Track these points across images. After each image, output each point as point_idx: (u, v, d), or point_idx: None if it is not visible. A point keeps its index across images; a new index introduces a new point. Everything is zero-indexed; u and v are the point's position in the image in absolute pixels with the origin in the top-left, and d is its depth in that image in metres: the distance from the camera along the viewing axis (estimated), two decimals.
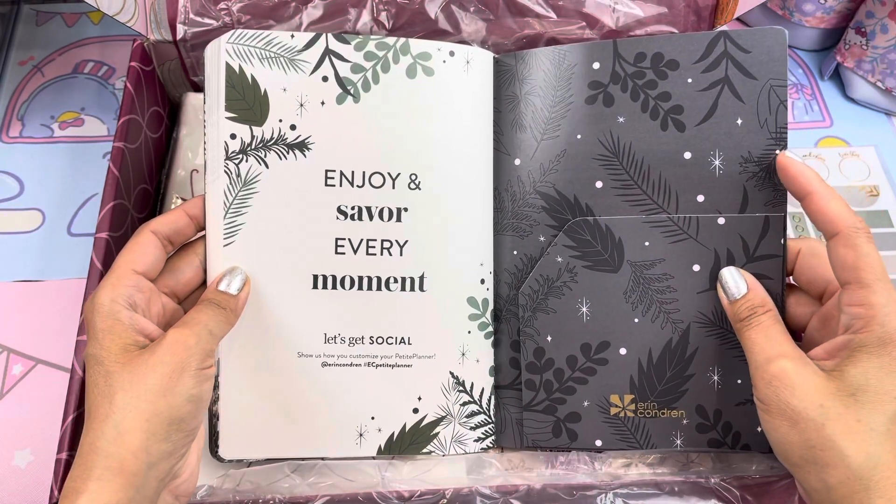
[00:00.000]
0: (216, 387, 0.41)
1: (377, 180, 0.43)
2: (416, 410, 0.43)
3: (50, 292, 0.55)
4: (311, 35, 0.43)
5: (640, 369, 0.43)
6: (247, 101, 0.42)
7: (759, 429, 0.42)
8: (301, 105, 0.42)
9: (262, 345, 0.42)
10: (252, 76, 0.42)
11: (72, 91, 0.64)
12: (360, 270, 0.43)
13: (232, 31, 0.42)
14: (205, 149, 0.42)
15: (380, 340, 0.43)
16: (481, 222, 0.45)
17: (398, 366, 0.43)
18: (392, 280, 0.43)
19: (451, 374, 0.44)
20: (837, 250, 0.36)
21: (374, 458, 0.44)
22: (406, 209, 0.43)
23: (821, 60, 0.70)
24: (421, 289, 0.43)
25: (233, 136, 0.42)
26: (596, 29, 0.52)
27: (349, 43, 0.43)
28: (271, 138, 0.42)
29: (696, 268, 0.42)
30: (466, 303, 0.44)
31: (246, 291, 0.40)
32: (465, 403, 0.44)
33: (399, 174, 0.43)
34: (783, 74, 0.42)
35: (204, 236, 0.42)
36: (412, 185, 0.43)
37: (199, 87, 0.56)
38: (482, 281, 0.45)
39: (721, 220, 0.42)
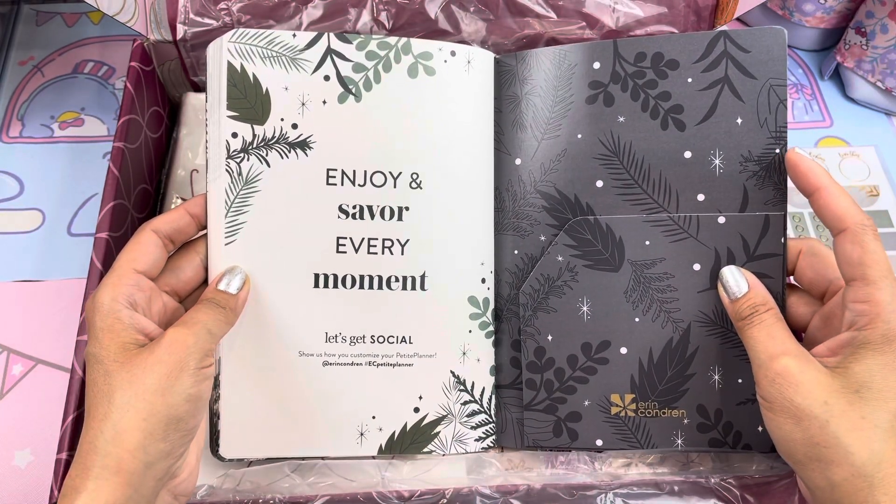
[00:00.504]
0: (217, 385, 0.42)
1: (378, 179, 0.43)
2: (416, 410, 0.43)
3: (50, 292, 0.55)
4: (312, 34, 0.43)
5: (641, 369, 0.43)
6: (248, 100, 0.42)
7: (760, 428, 0.43)
8: (303, 104, 0.42)
9: (264, 344, 0.42)
10: (254, 75, 0.42)
11: (72, 91, 0.64)
12: (361, 269, 0.43)
13: (234, 31, 0.42)
14: (206, 147, 0.42)
15: (381, 339, 0.43)
16: (482, 222, 0.45)
17: (399, 365, 0.43)
18: (393, 279, 0.43)
19: (452, 373, 0.44)
20: (844, 246, 0.36)
21: (374, 457, 0.44)
22: (407, 208, 0.43)
23: (821, 60, 0.70)
24: (422, 288, 0.43)
25: (234, 135, 0.42)
26: (596, 29, 0.52)
27: (351, 42, 0.43)
28: (273, 137, 0.42)
29: (697, 267, 0.43)
30: (467, 302, 0.44)
31: (245, 291, 0.40)
32: (465, 403, 0.44)
33: (400, 173, 0.43)
34: (783, 74, 0.42)
35: (205, 235, 0.42)
36: (413, 185, 0.43)
37: (199, 87, 0.56)
38: (483, 280, 0.45)
39: (721, 220, 0.42)
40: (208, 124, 0.43)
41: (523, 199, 0.45)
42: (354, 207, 0.43)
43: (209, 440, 0.42)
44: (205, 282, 0.42)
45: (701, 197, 0.43)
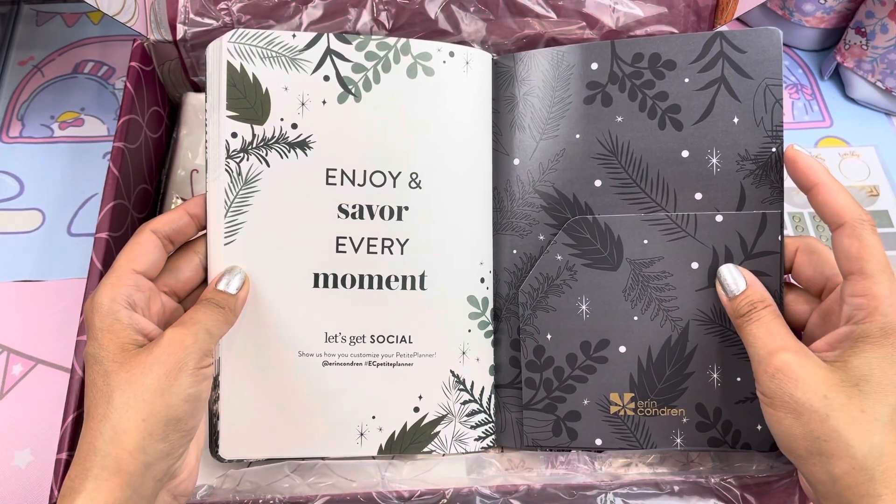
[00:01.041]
0: (216, 386, 0.42)
1: (378, 179, 0.43)
2: (416, 409, 0.43)
3: (50, 292, 0.55)
4: (312, 35, 0.43)
5: (640, 367, 0.43)
6: (248, 100, 0.42)
7: (759, 427, 0.43)
8: (302, 104, 0.42)
9: (263, 344, 0.42)
10: (253, 75, 0.42)
11: (72, 91, 0.65)
12: (361, 269, 0.43)
13: (233, 31, 0.42)
14: (206, 147, 0.43)
15: (380, 339, 0.43)
16: (481, 221, 0.45)
17: (399, 364, 0.43)
18: (393, 279, 0.43)
19: (452, 372, 0.44)
20: (842, 241, 0.36)
21: (374, 457, 0.44)
22: (407, 208, 0.43)
23: (821, 60, 0.70)
24: (422, 287, 0.43)
25: (234, 135, 0.42)
26: (596, 29, 0.52)
27: (350, 43, 0.43)
28: (272, 137, 0.42)
29: (695, 265, 0.43)
30: (467, 301, 0.44)
31: (245, 291, 0.40)
32: (465, 402, 0.44)
33: (400, 173, 0.43)
34: (778, 74, 0.42)
35: (204, 235, 0.42)
36: (413, 184, 0.43)
37: (199, 87, 0.56)
38: (482, 280, 0.45)
39: (719, 218, 0.42)
40: (208, 124, 0.43)
41: (522, 199, 0.45)
42: (354, 207, 0.43)
43: (208, 441, 0.42)
44: (204, 282, 0.42)
45: (699, 196, 0.43)
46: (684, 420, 0.43)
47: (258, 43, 0.42)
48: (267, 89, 0.42)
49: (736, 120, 0.42)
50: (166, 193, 0.53)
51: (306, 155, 0.42)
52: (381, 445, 0.43)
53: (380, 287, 0.43)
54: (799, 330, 0.42)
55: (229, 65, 0.42)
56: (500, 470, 0.44)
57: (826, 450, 0.34)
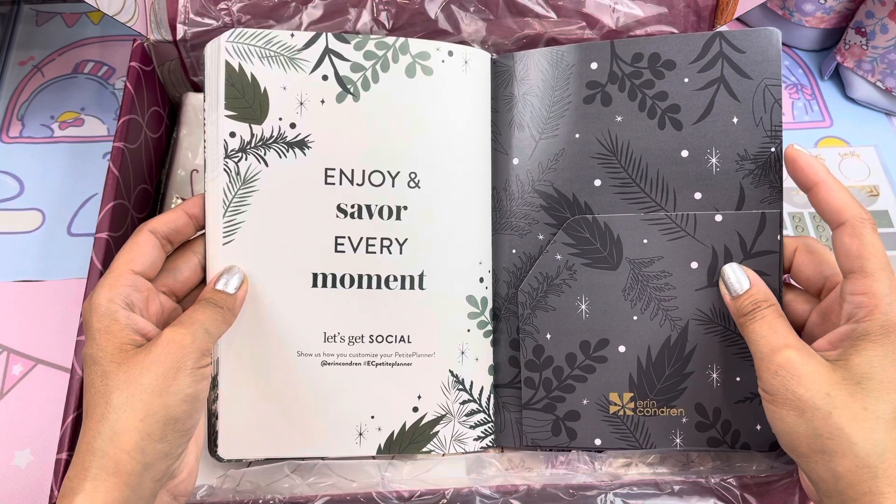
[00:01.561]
0: (215, 386, 0.41)
1: (377, 178, 0.43)
2: (415, 409, 0.43)
3: (50, 292, 0.55)
4: (310, 34, 0.43)
5: (640, 367, 0.43)
6: (246, 100, 0.42)
7: (758, 427, 0.42)
8: (301, 103, 0.42)
9: (262, 344, 0.42)
10: (252, 75, 0.42)
11: (72, 91, 0.64)
12: (359, 269, 0.42)
13: (231, 30, 0.42)
14: (204, 147, 0.42)
15: (379, 339, 0.43)
16: (480, 221, 0.45)
17: (398, 364, 0.43)
18: (392, 278, 0.43)
19: (451, 372, 0.44)
20: (843, 239, 0.36)
21: (373, 457, 0.44)
22: (406, 207, 0.43)
23: (821, 60, 0.69)
24: (420, 287, 0.43)
25: (232, 135, 0.41)
26: (596, 29, 0.52)
27: (349, 42, 0.43)
28: (271, 136, 0.42)
29: (694, 265, 0.42)
30: (466, 301, 0.44)
31: (244, 290, 0.40)
32: (464, 402, 0.44)
33: (398, 172, 0.43)
34: (777, 74, 0.42)
35: (203, 235, 0.42)
36: (412, 184, 0.43)
37: (199, 87, 0.56)
38: (481, 279, 0.45)
39: (718, 218, 0.42)
40: (206, 124, 0.42)
41: (521, 199, 0.45)
42: (353, 207, 0.42)
43: (207, 440, 0.42)
44: (203, 282, 0.42)
45: (698, 195, 0.43)
46: (684, 420, 0.43)
47: (256, 42, 0.42)
48: (265, 89, 0.42)
49: (735, 120, 0.42)
50: (166, 193, 0.52)
51: (305, 154, 0.42)
52: (380, 445, 0.43)
53: (379, 287, 0.43)
54: (798, 329, 0.41)
55: (227, 64, 0.42)
56: (500, 470, 0.44)
57: (829, 447, 0.34)
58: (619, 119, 0.43)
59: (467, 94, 0.45)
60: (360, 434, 0.43)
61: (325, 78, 0.42)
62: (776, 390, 0.35)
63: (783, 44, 0.70)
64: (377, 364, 0.43)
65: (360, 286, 0.42)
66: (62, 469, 0.39)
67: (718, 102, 0.42)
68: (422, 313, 0.43)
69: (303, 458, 0.43)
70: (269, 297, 0.42)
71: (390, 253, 0.43)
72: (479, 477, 0.44)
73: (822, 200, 0.38)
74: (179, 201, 0.51)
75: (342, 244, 0.42)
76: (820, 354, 0.36)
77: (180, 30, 0.51)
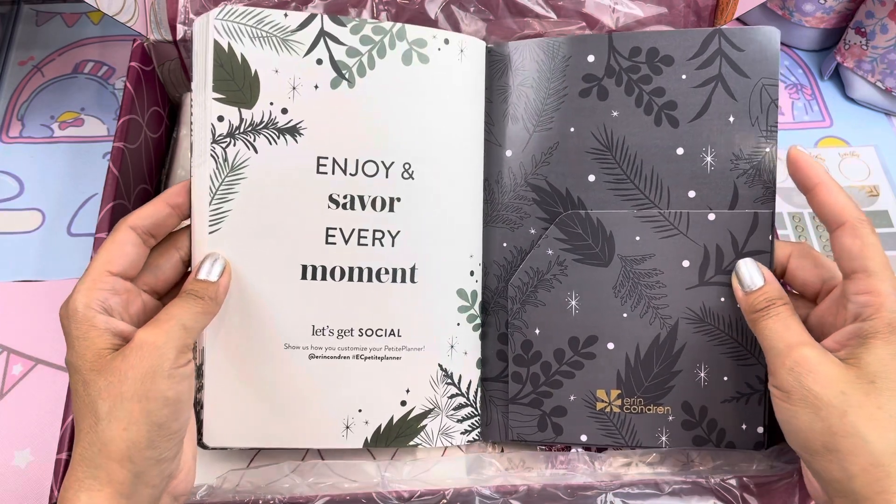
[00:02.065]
0: (200, 375, 0.38)
1: (370, 168, 0.40)
2: (403, 403, 0.41)
3: (50, 292, 0.52)
4: (305, 15, 0.39)
5: (628, 364, 0.41)
6: (236, 82, 0.38)
7: (743, 426, 0.40)
8: (293, 88, 0.39)
9: (248, 335, 0.39)
10: (242, 56, 0.38)
11: (72, 91, 0.62)
12: (351, 261, 0.40)
13: (221, 7, 0.38)
14: (191, 130, 0.39)
15: (369, 333, 0.40)
16: (471, 213, 0.42)
17: (387, 358, 0.40)
18: (383, 271, 0.40)
19: (440, 366, 0.41)
20: (843, 240, 0.35)
21: (360, 449, 0.42)
22: (399, 199, 0.40)
23: (821, 60, 0.66)
24: (412, 280, 0.40)
25: (220, 119, 0.38)
26: (596, 29, 0.48)
27: (345, 25, 0.40)
28: (261, 122, 0.39)
29: (686, 263, 0.41)
30: (456, 295, 0.42)
31: (226, 278, 0.37)
32: (452, 396, 0.42)
33: (393, 163, 0.40)
34: (775, 74, 0.40)
35: (184, 228, 0.38)
36: (405, 175, 0.40)
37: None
38: (471, 273, 0.42)
39: (711, 216, 0.40)
40: (193, 105, 0.39)
41: (513, 192, 0.43)
42: (345, 197, 0.39)
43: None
44: (185, 277, 0.38)
45: (692, 194, 0.41)
46: (670, 418, 0.41)
47: (248, 21, 0.38)
48: (256, 71, 0.38)
49: (731, 119, 0.40)
50: None
51: (296, 142, 0.39)
52: (366, 438, 0.40)
53: (370, 280, 0.40)
54: None
55: (216, 43, 0.38)
56: (500, 470, 0.41)
57: (843, 446, 0.32)
58: (615, 114, 0.41)
59: (462, 84, 0.42)
60: (347, 427, 0.40)
61: (319, 62, 0.39)
62: (791, 387, 0.34)
63: (783, 43, 0.68)
64: (366, 358, 0.40)
65: (350, 279, 0.40)
66: (62, 469, 0.37)
67: (715, 100, 0.41)
68: (412, 307, 0.41)
69: (288, 449, 0.41)
70: (256, 289, 0.38)
71: (382, 245, 0.40)
72: (479, 477, 0.41)
73: (821, 202, 0.36)
74: None
75: (333, 236, 0.39)
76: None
77: (180, 30, 0.48)
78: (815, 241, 0.57)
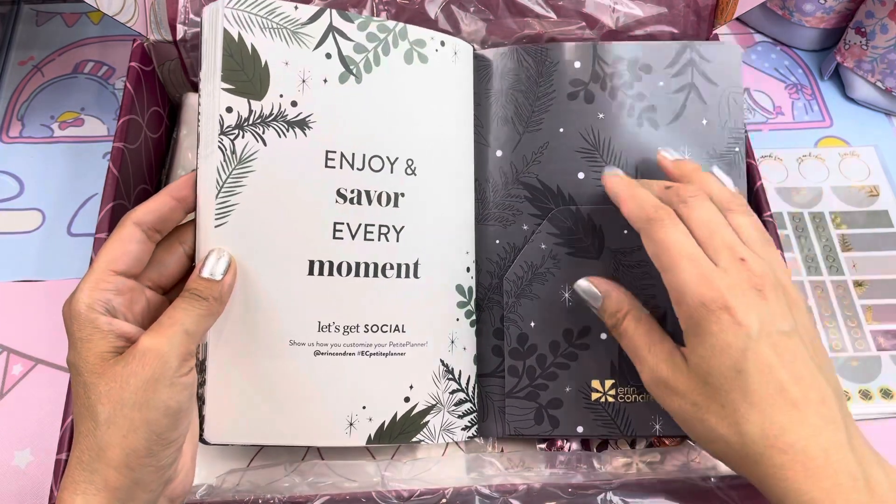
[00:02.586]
0: (203, 370, 0.35)
1: (377, 164, 0.38)
2: (407, 399, 0.38)
3: (50, 292, 0.49)
4: (315, 9, 0.37)
5: (621, 354, 0.40)
6: (246, 73, 0.36)
7: None
8: (303, 81, 0.37)
9: (252, 331, 0.36)
10: (252, 46, 0.36)
11: (72, 91, 0.59)
12: (357, 256, 0.37)
13: None
14: (198, 120, 0.36)
15: (374, 328, 0.38)
16: (466, 211, 0.41)
17: (392, 354, 0.38)
18: (388, 266, 0.38)
19: (442, 362, 0.39)
20: (644, 245, 0.34)
21: (360, 449, 0.39)
22: (403, 195, 0.38)
23: (821, 60, 0.65)
24: (415, 276, 0.39)
25: (229, 110, 0.36)
26: (596, 29, 0.46)
27: (353, 22, 0.38)
28: (271, 114, 0.37)
29: None
30: (455, 290, 0.40)
31: (231, 276, 0.35)
32: (453, 392, 0.39)
33: (397, 159, 0.38)
34: (739, 84, 0.43)
35: (189, 222, 0.36)
36: (408, 171, 0.39)
37: (198, 88, 0.55)
38: (468, 269, 0.40)
39: None
40: (201, 96, 0.36)
41: (505, 190, 0.42)
42: (353, 192, 0.38)
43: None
44: (190, 271, 0.35)
45: None
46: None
47: (258, 11, 0.36)
48: (266, 62, 0.36)
49: (704, 121, 0.42)
50: None
51: (305, 135, 0.37)
52: (370, 435, 0.38)
53: (375, 275, 0.38)
54: None
55: (226, 32, 0.35)
56: (500, 470, 0.38)
57: (719, 451, 0.31)
58: (600, 116, 0.42)
59: (457, 85, 0.41)
60: (351, 424, 0.38)
61: (328, 56, 0.38)
62: (662, 403, 0.33)
63: (783, 44, 0.66)
64: (371, 354, 0.38)
65: (356, 274, 0.37)
66: (62, 469, 0.35)
67: (690, 105, 0.42)
68: (416, 302, 0.38)
69: (291, 446, 0.38)
70: (262, 284, 0.36)
71: (387, 241, 0.38)
72: (479, 476, 0.38)
73: (625, 215, 0.36)
74: None
75: (341, 231, 0.37)
76: (682, 351, 0.33)
77: (180, 30, 0.45)
78: (816, 241, 0.58)
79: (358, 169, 0.38)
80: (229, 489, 0.37)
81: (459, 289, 0.40)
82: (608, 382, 0.41)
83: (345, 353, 0.38)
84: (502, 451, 0.41)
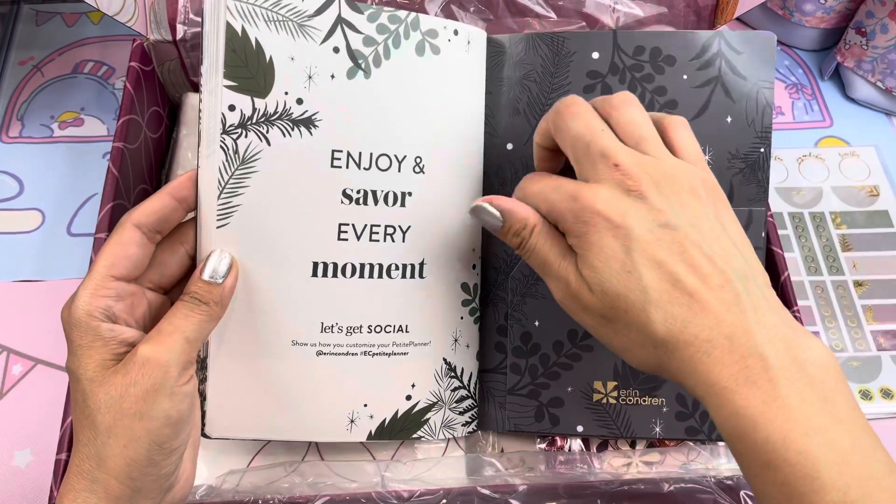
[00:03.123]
0: (204, 368, 0.35)
1: (384, 163, 0.37)
2: (408, 397, 0.38)
3: (50, 292, 0.49)
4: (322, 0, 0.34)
5: None
6: (249, 69, 0.34)
7: None
8: (309, 77, 0.35)
9: (254, 332, 0.35)
10: (256, 40, 0.34)
11: (72, 91, 0.58)
12: (362, 258, 0.36)
13: None
14: (199, 117, 0.34)
15: (377, 329, 0.37)
16: None
17: (395, 354, 0.38)
18: (394, 267, 0.37)
19: (445, 360, 0.39)
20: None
21: (360, 449, 0.39)
22: (410, 194, 0.37)
23: (821, 60, 0.63)
24: (420, 276, 0.38)
25: (231, 108, 0.34)
26: (596, 29, 0.46)
27: (362, 13, 0.36)
28: (275, 112, 0.35)
29: None
30: (460, 289, 0.39)
31: (233, 278, 0.33)
32: (455, 389, 0.39)
33: (405, 157, 0.37)
34: (771, 77, 0.39)
35: (190, 221, 0.35)
36: (417, 169, 0.37)
37: (198, 88, 0.55)
38: (473, 266, 0.39)
39: None
40: (202, 92, 0.34)
41: (515, 185, 0.43)
42: (359, 192, 0.36)
43: None
44: (191, 271, 0.34)
45: None
46: (664, 409, 0.40)
47: (263, 3, 0.34)
48: (271, 58, 0.34)
49: (729, 119, 0.39)
50: None
51: (311, 134, 0.35)
52: (370, 432, 0.37)
53: (380, 276, 0.37)
54: None
55: (229, 26, 0.33)
56: (500, 470, 0.38)
57: (635, 359, 0.31)
58: None
59: (470, 75, 0.39)
60: (352, 421, 0.37)
61: (336, 50, 0.36)
62: (576, 318, 0.32)
63: (783, 43, 0.65)
64: (374, 354, 0.37)
65: (361, 276, 0.37)
66: (62, 469, 0.35)
67: (714, 101, 0.39)
68: (420, 302, 0.38)
69: (292, 441, 0.38)
70: (264, 286, 0.35)
71: (393, 241, 0.37)
72: (479, 477, 0.38)
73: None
74: None
75: (346, 232, 0.36)
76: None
77: (180, 30, 0.44)
78: (816, 240, 0.58)
79: (365, 168, 0.37)
80: (229, 489, 0.37)
81: (465, 287, 0.39)
82: (610, 384, 0.40)
83: (347, 353, 0.38)
84: (502, 451, 0.41)
